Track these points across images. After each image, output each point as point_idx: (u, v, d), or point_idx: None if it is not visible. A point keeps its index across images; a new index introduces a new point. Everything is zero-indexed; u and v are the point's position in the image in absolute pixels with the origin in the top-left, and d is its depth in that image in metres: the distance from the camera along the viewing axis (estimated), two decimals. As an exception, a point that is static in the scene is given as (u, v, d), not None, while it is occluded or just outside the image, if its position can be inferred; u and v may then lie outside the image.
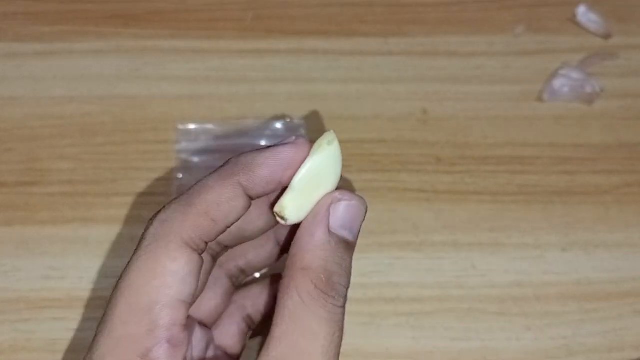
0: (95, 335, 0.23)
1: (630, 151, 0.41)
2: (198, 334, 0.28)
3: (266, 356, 0.23)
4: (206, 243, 0.24)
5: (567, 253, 0.38)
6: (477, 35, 0.45)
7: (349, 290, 0.25)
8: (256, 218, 0.27)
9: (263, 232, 0.28)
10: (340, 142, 0.26)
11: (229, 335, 0.30)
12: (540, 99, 0.43)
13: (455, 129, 0.42)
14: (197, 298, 0.25)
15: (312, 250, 0.24)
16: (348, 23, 0.45)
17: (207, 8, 0.46)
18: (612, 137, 0.42)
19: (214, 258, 0.28)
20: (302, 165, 0.25)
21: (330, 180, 0.25)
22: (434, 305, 0.36)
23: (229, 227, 0.25)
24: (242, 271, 0.30)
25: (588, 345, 0.35)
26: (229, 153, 0.40)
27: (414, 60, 0.44)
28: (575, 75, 0.43)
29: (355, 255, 0.35)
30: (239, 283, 0.31)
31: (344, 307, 0.24)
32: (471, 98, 0.43)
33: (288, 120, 0.41)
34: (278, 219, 0.25)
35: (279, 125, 0.41)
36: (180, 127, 0.41)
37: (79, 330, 0.35)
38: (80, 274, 0.36)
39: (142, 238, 0.24)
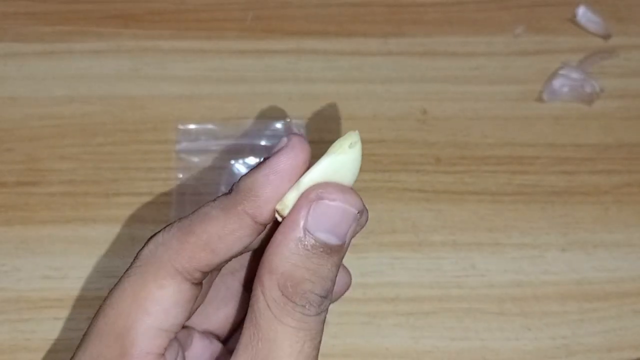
0: (77, 348, 0.22)
1: (629, 151, 0.41)
2: (197, 349, 0.26)
3: None
4: (203, 273, 0.23)
5: (566, 253, 0.38)
6: (477, 36, 0.45)
7: (352, 289, 0.23)
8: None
9: (246, 249, 0.24)
10: None
11: None
12: (539, 99, 0.43)
13: (454, 129, 0.42)
14: (182, 324, 0.23)
15: (281, 253, 0.21)
16: (348, 23, 0.46)
17: (207, 8, 0.46)
18: (611, 137, 0.42)
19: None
20: (316, 164, 0.22)
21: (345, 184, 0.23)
22: (433, 305, 0.36)
23: (234, 256, 0.23)
24: None
25: (587, 345, 0.35)
26: (229, 153, 0.40)
27: (414, 60, 0.44)
28: (575, 75, 0.43)
29: (355, 255, 0.35)
30: None
31: (320, 314, 0.22)
32: (471, 98, 0.43)
33: (288, 120, 0.41)
34: (277, 215, 0.23)
35: (279, 125, 0.41)
36: (180, 127, 0.41)
37: (79, 330, 0.35)
38: (80, 274, 0.36)
39: (136, 257, 0.23)
